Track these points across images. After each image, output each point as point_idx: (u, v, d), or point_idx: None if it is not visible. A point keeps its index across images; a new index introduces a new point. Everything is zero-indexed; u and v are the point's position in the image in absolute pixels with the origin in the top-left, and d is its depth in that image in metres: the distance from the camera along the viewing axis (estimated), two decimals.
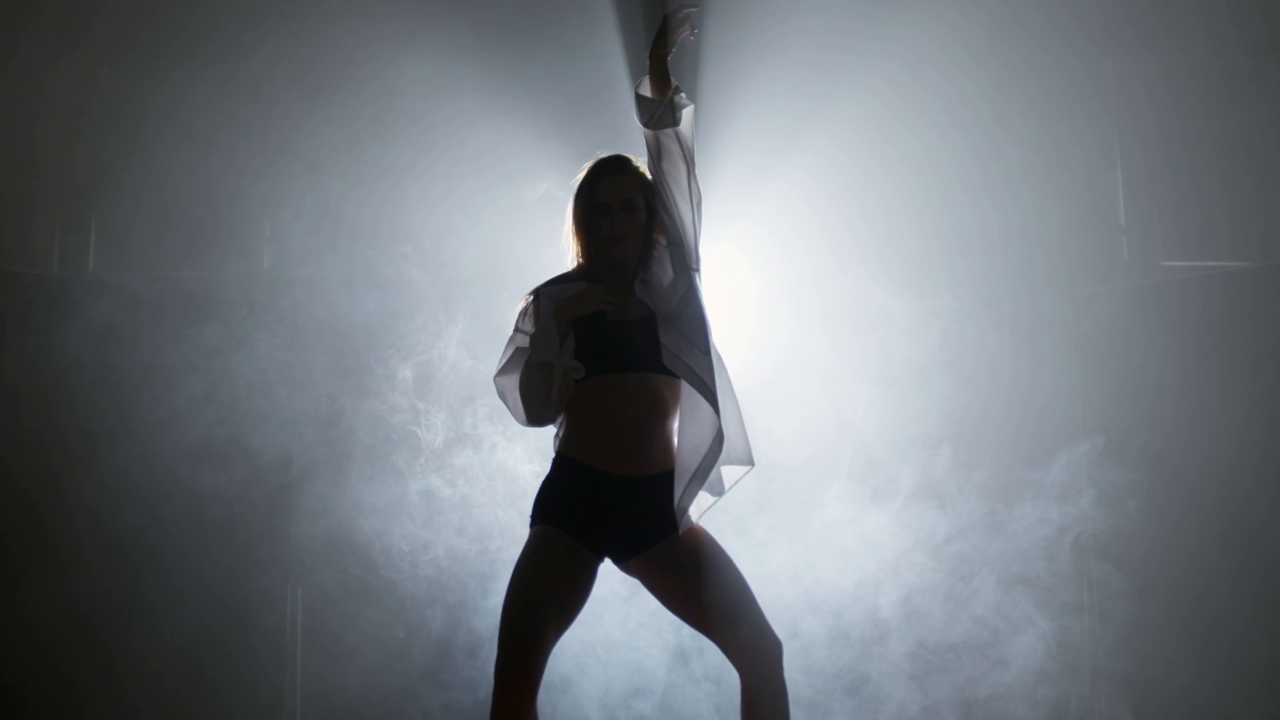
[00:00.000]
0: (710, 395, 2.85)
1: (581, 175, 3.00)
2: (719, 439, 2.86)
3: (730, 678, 4.47)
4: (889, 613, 4.52)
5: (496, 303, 4.51)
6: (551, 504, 2.90)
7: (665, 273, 2.97)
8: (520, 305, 3.02)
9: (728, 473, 2.97)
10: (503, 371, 2.99)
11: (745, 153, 4.69)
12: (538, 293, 3.00)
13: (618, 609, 4.42)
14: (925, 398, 4.68)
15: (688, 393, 2.90)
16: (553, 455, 2.98)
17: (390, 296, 4.70)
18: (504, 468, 4.55)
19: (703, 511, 2.99)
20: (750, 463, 2.97)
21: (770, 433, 4.47)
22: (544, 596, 2.80)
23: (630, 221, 2.94)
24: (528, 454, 4.55)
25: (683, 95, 2.89)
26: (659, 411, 2.91)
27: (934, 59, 4.82)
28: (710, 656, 4.47)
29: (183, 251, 4.92)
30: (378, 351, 4.64)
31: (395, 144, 4.89)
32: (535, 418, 2.95)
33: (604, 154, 3.02)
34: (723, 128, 4.66)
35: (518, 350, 2.97)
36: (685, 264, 2.94)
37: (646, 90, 2.89)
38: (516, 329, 2.99)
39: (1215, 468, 4.48)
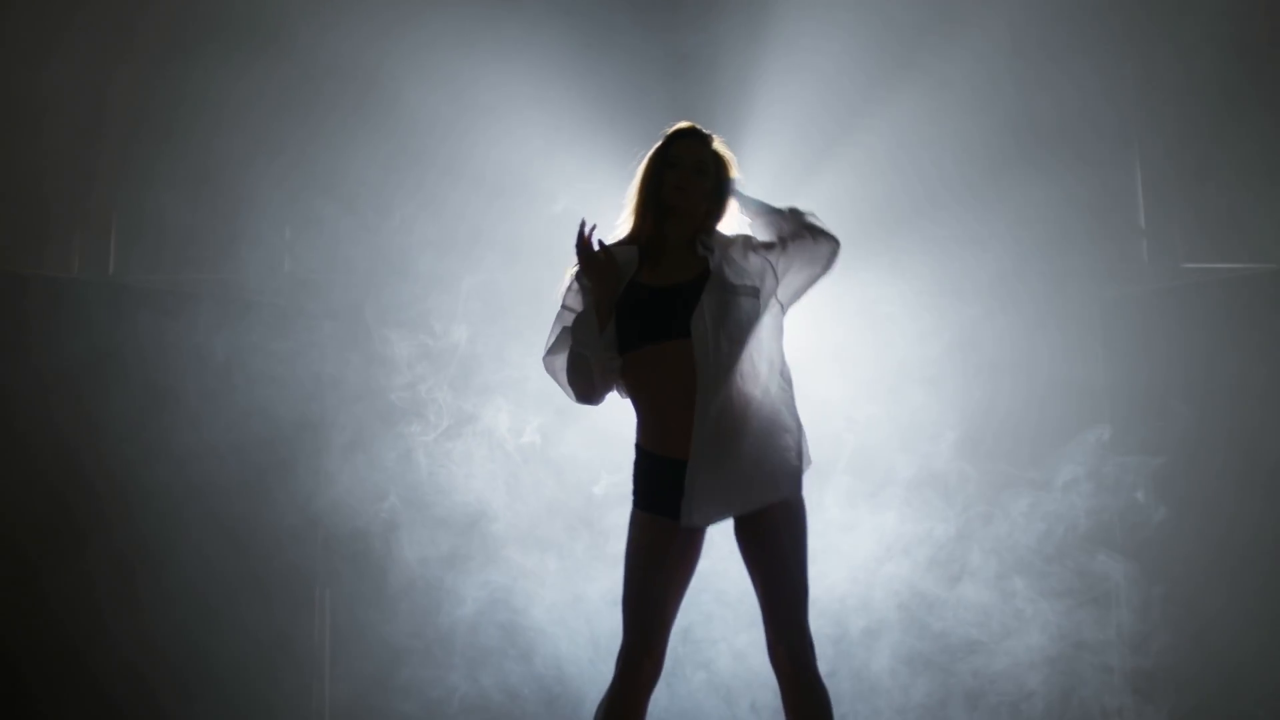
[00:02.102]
0: (712, 377, 2.74)
1: (661, 138, 2.96)
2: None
3: (718, 661, 4.52)
4: (891, 606, 4.53)
5: (501, 288, 4.59)
6: (638, 488, 2.88)
7: (747, 257, 2.89)
8: (565, 279, 2.97)
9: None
10: (551, 351, 2.95)
11: (775, 164, 4.71)
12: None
13: (613, 615, 4.43)
14: (939, 396, 4.68)
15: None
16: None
17: (398, 291, 4.75)
18: (503, 449, 4.60)
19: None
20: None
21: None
22: (652, 582, 2.81)
23: (696, 181, 2.89)
24: (542, 434, 4.62)
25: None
26: None
27: (958, 66, 4.82)
28: (699, 646, 4.52)
29: (201, 253, 4.96)
30: (394, 346, 4.69)
31: (410, 137, 4.92)
32: (584, 401, 2.93)
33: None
34: (754, 141, 4.68)
35: (564, 330, 2.94)
36: (774, 277, 2.88)
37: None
38: (563, 305, 2.96)
39: (1231, 468, 4.47)
